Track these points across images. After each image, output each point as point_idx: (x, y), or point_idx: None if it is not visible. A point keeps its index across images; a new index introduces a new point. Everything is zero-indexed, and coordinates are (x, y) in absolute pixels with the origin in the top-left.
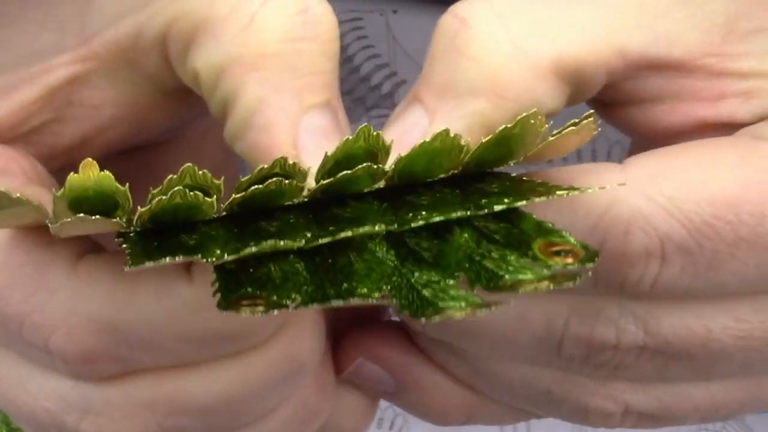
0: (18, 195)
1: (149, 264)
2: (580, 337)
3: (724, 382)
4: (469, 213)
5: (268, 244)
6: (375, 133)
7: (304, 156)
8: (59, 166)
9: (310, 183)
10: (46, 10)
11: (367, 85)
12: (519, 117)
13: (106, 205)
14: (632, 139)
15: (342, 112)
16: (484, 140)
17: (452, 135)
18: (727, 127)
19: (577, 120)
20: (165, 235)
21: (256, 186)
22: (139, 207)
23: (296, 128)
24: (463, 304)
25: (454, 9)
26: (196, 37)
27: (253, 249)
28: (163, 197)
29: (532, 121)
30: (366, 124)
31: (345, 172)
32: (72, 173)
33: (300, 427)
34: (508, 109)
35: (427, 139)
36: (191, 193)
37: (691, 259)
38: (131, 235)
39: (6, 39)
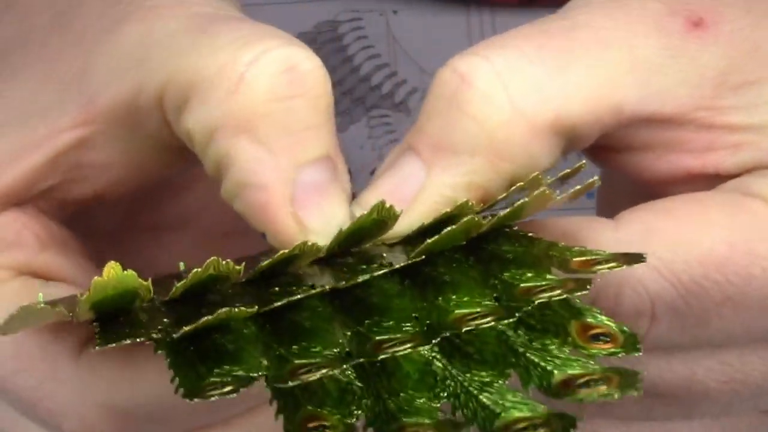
0: (41, 306)
1: (211, 397)
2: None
3: (705, 421)
4: (509, 321)
5: (319, 363)
6: (388, 206)
7: (302, 213)
8: (70, 215)
9: (321, 252)
10: (48, 67)
11: (367, 85)
12: (536, 193)
13: (125, 299)
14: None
15: (341, 163)
16: (501, 214)
17: (476, 219)
18: (713, 178)
19: (570, 171)
20: (199, 338)
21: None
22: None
23: (291, 186)
24: (528, 413)
25: (453, 63)
26: (189, 97)
27: (312, 377)
28: (209, 317)
29: (546, 193)
30: (372, 170)
31: (364, 276)
32: (96, 278)
33: None
34: (505, 169)
35: (452, 226)
36: (235, 310)
37: (679, 317)
38: (165, 343)
39: (8, 93)
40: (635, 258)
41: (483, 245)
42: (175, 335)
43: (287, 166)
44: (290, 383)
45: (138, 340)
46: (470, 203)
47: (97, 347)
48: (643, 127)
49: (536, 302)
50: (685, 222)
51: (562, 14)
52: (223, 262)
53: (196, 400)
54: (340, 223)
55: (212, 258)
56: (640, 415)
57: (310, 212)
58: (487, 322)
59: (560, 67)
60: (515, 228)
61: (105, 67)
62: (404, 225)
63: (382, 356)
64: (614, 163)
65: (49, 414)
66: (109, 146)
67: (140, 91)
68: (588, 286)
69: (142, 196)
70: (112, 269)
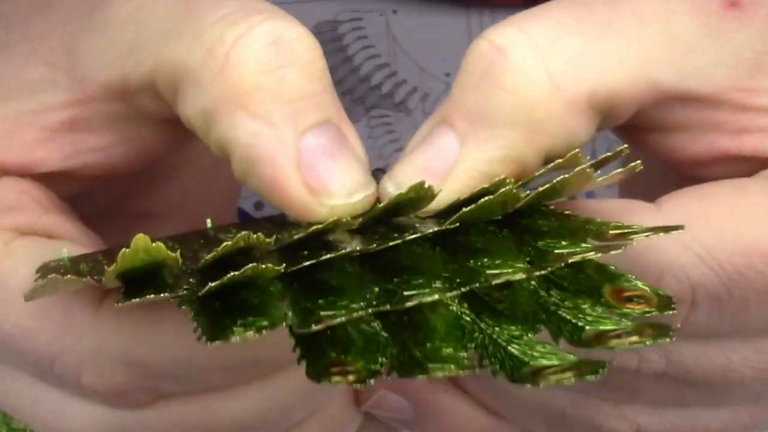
0: (68, 276)
1: (234, 339)
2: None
3: (736, 408)
4: (540, 272)
5: (344, 314)
6: (427, 185)
7: (311, 176)
8: (71, 193)
9: (353, 223)
10: (33, 47)
11: (367, 85)
12: (577, 170)
13: (152, 269)
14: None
15: (347, 125)
16: (540, 189)
17: (514, 191)
18: (749, 161)
19: (610, 154)
20: (223, 295)
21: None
22: (209, 283)
23: (295, 153)
24: (556, 361)
25: (489, 35)
26: (180, 84)
27: (336, 321)
28: (236, 273)
29: (588, 170)
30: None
31: (399, 240)
32: (124, 249)
33: None
34: (542, 143)
35: (487, 190)
36: (262, 267)
37: (719, 305)
38: (191, 300)
39: None
40: (673, 228)
41: (517, 220)
42: (200, 292)
43: (288, 136)
44: (314, 327)
45: (163, 295)
46: (508, 180)
47: (119, 304)
48: (678, 107)
49: (569, 261)
50: (730, 209)
51: None
52: (254, 236)
53: (217, 342)
54: (357, 183)
55: (243, 233)
56: (670, 402)
57: (321, 175)
58: (519, 276)
59: (598, 41)
60: (551, 207)
61: (94, 48)
62: (438, 200)
63: (410, 304)
64: (648, 143)
65: (67, 368)
66: (105, 126)
67: (131, 75)
68: (624, 246)
69: (128, 183)
70: (140, 241)
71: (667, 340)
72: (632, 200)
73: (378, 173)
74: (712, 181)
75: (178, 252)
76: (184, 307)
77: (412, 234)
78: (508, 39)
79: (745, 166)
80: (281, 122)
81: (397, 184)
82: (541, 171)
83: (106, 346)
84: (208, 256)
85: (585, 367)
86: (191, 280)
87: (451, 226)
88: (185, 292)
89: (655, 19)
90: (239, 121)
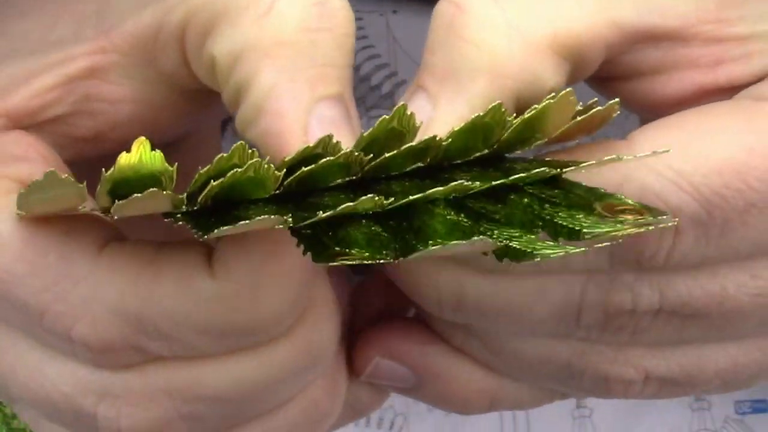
0: (65, 176)
1: (225, 229)
2: (597, 304)
3: (742, 343)
4: (530, 174)
5: (344, 208)
6: (409, 113)
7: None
8: (69, 157)
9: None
10: (59, 7)
11: (367, 85)
12: (559, 94)
13: (142, 189)
14: (641, 120)
15: (353, 108)
16: (525, 115)
17: (502, 109)
18: (727, 92)
19: (602, 108)
20: (218, 214)
21: (310, 166)
22: (212, 182)
23: (307, 116)
24: (560, 251)
25: None
26: (215, 25)
27: (330, 213)
28: (238, 170)
29: (571, 98)
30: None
31: (392, 153)
32: (123, 152)
33: (310, 427)
34: (509, 88)
35: (479, 114)
36: (265, 165)
37: (703, 229)
38: (184, 215)
39: (17, 29)
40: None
41: (499, 164)
42: (194, 207)
43: (305, 98)
44: (319, 215)
45: (154, 190)
46: (503, 107)
47: (114, 214)
48: (649, 47)
49: (565, 171)
50: (699, 132)
51: None
52: (249, 150)
53: (220, 229)
54: None
55: (238, 143)
56: (672, 340)
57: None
58: (513, 178)
59: None
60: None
61: (125, 1)
62: None
63: (413, 197)
64: (626, 92)
65: (59, 318)
66: (121, 81)
67: (162, 20)
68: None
69: None
70: (141, 144)
71: (663, 215)
72: (605, 138)
73: None
74: None
75: (175, 167)
76: (179, 221)
77: (392, 152)
78: None
79: (724, 98)
80: (302, 83)
81: None
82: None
83: (103, 295)
84: (215, 183)
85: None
86: (180, 196)
87: (445, 142)
88: (176, 196)
89: None
90: (264, 69)
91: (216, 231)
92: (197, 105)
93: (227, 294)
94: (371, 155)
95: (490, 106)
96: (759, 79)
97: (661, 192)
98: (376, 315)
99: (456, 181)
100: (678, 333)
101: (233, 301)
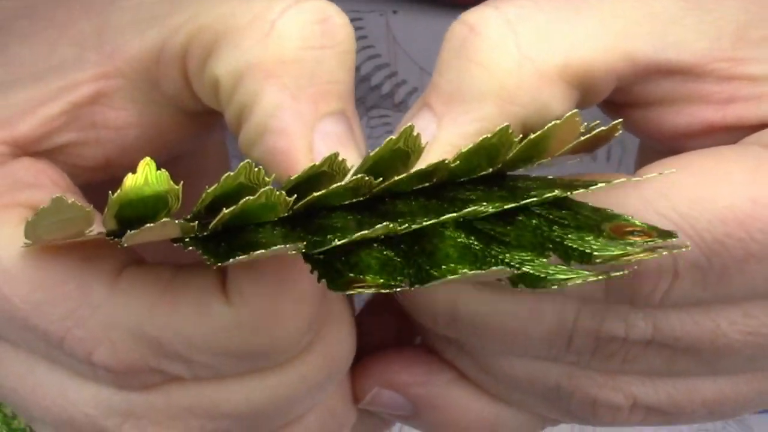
0: (72, 201)
1: (240, 258)
2: (590, 331)
3: (731, 378)
4: (542, 198)
5: (358, 234)
6: (415, 133)
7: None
8: (79, 184)
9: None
10: (59, 31)
11: (367, 85)
12: (565, 116)
13: (149, 209)
14: (640, 142)
15: (357, 123)
16: (531, 137)
17: (510, 131)
18: (735, 130)
19: (605, 127)
20: (227, 239)
21: (320, 191)
22: (224, 209)
23: (312, 133)
24: (573, 275)
25: (464, 16)
26: (217, 46)
27: (344, 240)
28: (250, 198)
29: (576, 120)
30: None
31: (401, 176)
32: (129, 174)
33: None
34: (516, 114)
35: (486, 136)
36: (276, 192)
37: (701, 274)
38: (193, 239)
39: (18, 56)
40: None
41: (503, 182)
42: (206, 232)
43: (309, 115)
44: (335, 243)
45: (166, 219)
46: (510, 129)
47: (121, 241)
48: (662, 80)
49: (574, 192)
50: (706, 177)
51: None
52: (255, 169)
53: (236, 259)
54: None
55: (245, 161)
56: (662, 370)
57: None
58: (526, 201)
59: (572, 16)
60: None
61: (125, 23)
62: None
63: (426, 223)
64: (635, 119)
65: (79, 343)
66: (126, 106)
67: (164, 43)
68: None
69: None
70: (147, 165)
71: (673, 238)
72: (609, 172)
73: None
74: None
75: (181, 185)
76: (189, 246)
77: (401, 176)
78: (481, 17)
79: (730, 136)
80: (305, 100)
81: None
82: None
83: (121, 320)
84: (227, 211)
85: (605, 275)
86: (190, 223)
87: (453, 164)
88: (186, 223)
89: None
90: (268, 88)
91: (231, 260)
92: (202, 124)
93: (244, 320)
94: (380, 179)
95: (498, 128)
96: (765, 124)
97: None
98: (378, 341)
99: (460, 198)
100: (668, 364)
101: (250, 326)
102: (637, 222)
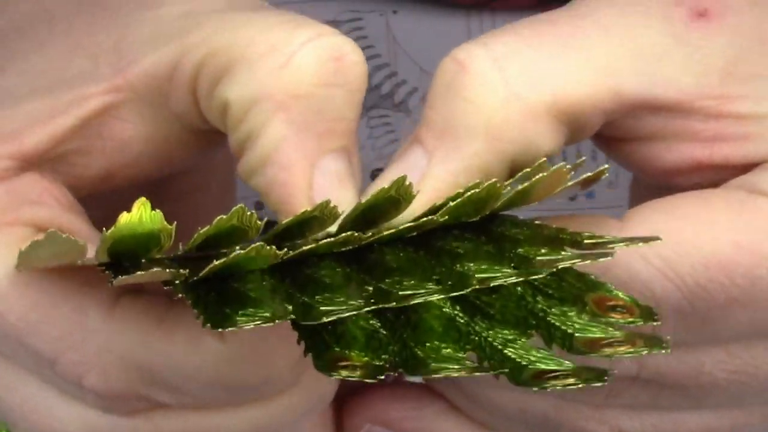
0: (65, 236)
1: (236, 328)
2: None
3: (716, 412)
4: (534, 277)
5: (347, 314)
6: (407, 183)
7: (318, 197)
8: (81, 195)
9: (333, 229)
10: (76, 41)
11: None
12: (553, 168)
13: (146, 244)
14: (633, 175)
15: (356, 158)
16: (520, 187)
17: (498, 185)
18: (722, 169)
19: (591, 174)
20: (217, 284)
21: (310, 245)
22: (215, 261)
23: (312, 170)
24: (554, 366)
25: (453, 52)
26: (232, 69)
27: (344, 315)
28: (240, 251)
29: (564, 170)
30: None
31: (390, 231)
32: (124, 212)
33: None
34: (504, 151)
35: (473, 188)
36: (267, 248)
37: (684, 318)
38: (184, 285)
39: (35, 64)
40: (650, 239)
41: (490, 228)
42: (195, 277)
43: (312, 151)
44: (325, 319)
45: (156, 269)
46: (498, 183)
47: (113, 282)
48: (649, 116)
49: (559, 266)
50: (690, 222)
51: (568, 6)
52: (248, 213)
53: (229, 329)
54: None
55: (238, 206)
56: (648, 404)
57: (326, 198)
58: (513, 280)
59: (559, 52)
60: (520, 218)
61: (141, 38)
62: (408, 213)
63: (413, 301)
64: (624, 153)
65: (71, 366)
66: (134, 119)
67: (178, 61)
68: (611, 254)
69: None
70: (142, 205)
71: (662, 351)
72: (598, 216)
73: (378, 174)
74: (686, 190)
75: (174, 225)
76: (180, 294)
77: (390, 230)
78: (469, 53)
79: (717, 174)
80: (311, 136)
81: None
82: (508, 182)
83: (115, 348)
84: (201, 231)
85: (587, 374)
86: (180, 270)
87: (442, 219)
88: (178, 276)
89: (618, 30)
90: (276, 119)
91: (229, 328)
92: (209, 142)
93: (236, 356)
94: (370, 233)
95: (487, 183)
96: (754, 164)
97: (648, 280)
98: None
99: (447, 251)
100: (653, 399)
101: (242, 361)
102: (620, 294)
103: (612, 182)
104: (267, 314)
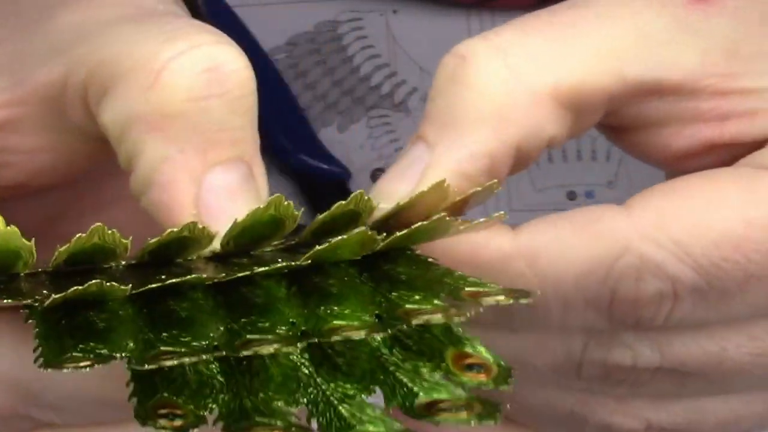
0: None
1: (65, 369)
2: (598, 360)
3: (743, 396)
4: (381, 334)
5: (183, 352)
6: (286, 203)
7: (206, 216)
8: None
9: (215, 246)
10: None
11: (367, 85)
12: (435, 218)
13: (7, 261)
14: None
15: (258, 167)
16: (397, 234)
17: (369, 234)
18: (733, 147)
19: (483, 220)
20: (71, 311)
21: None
22: (76, 287)
23: (196, 186)
24: (382, 428)
25: (454, 49)
26: (107, 90)
27: (174, 362)
28: (79, 288)
29: (444, 185)
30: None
31: (262, 267)
32: None
33: None
34: (511, 135)
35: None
36: (107, 284)
37: (702, 296)
38: (35, 311)
39: None
40: (523, 294)
41: (381, 264)
42: (45, 303)
43: (196, 167)
44: (147, 366)
45: (6, 301)
46: (366, 196)
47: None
48: (656, 100)
49: (413, 323)
50: (700, 202)
51: (567, 0)
52: (109, 231)
53: (49, 369)
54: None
55: (98, 224)
56: (673, 394)
57: (215, 215)
58: (360, 335)
59: (561, 39)
60: (417, 251)
61: (36, 51)
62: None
63: (245, 353)
64: (634, 142)
65: None
66: (35, 132)
67: (68, 77)
68: (470, 313)
69: (53, 204)
70: None
71: (492, 422)
72: (603, 206)
73: (378, 174)
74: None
75: (33, 241)
76: (30, 321)
77: (263, 267)
78: (471, 47)
79: (731, 153)
80: (192, 152)
81: (380, 199)
82: (461, 197)
83: None
84: (62, 249)
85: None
86: (45, 291)
87: (305, 263)
88: (33, 302)
89: (620, 17)
90: (152, 142)
91: (62, 369)
92: (111, 148)
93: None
94: (236, 267)
95: (356, 232)
96: (762, 140)
97: (661, 263)
98: None
99: (324, 293)
100: (678, 387)
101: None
102: (483, 351)
103: (612, 182)
104: (103, 351)
